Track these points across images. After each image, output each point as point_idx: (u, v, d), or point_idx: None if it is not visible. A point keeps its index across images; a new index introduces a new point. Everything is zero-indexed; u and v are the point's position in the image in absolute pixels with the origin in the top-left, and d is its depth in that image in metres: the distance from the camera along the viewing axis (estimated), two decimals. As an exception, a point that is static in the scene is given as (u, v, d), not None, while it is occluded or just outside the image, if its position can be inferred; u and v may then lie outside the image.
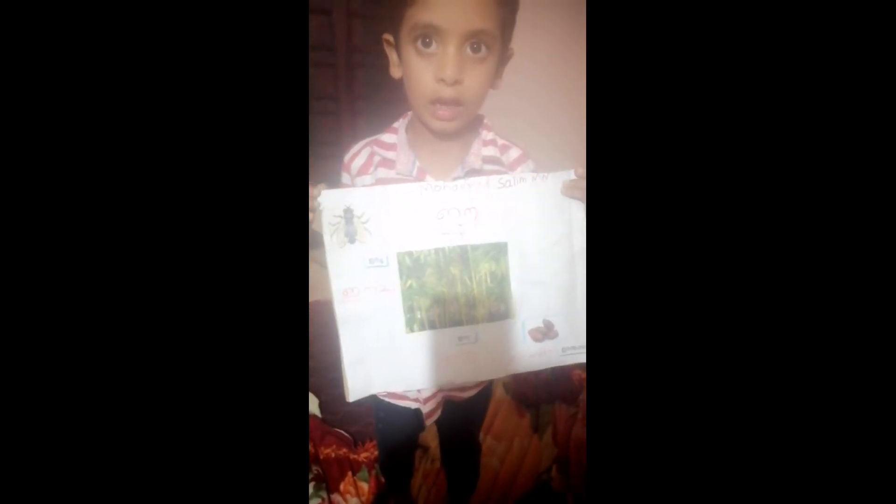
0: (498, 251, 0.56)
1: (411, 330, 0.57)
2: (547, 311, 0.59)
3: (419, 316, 0.57)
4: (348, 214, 0.53)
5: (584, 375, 1.25)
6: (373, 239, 0.54)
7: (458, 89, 0.49)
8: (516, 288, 0.57)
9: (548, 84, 1.45)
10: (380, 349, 0.57)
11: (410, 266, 0.55)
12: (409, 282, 0.56)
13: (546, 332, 0.59)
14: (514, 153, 0.60)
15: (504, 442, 1.15)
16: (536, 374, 1.33)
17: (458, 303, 0.56)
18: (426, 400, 0.65)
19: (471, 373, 0.60)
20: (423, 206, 0.53)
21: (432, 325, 0.57)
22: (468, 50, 0.48)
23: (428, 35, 0.47)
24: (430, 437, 1.10)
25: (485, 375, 0.62)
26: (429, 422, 0.67)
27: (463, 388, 0.68)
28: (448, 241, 0.55)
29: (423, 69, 0.49)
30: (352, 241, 0.54)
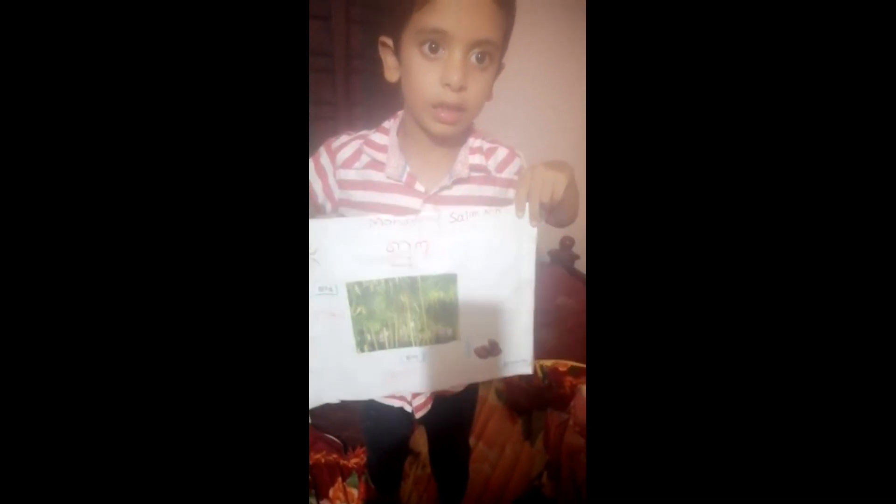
0: (447, 281, 0.57)
1: (362, 350, 0.59)
2: (492, 332, 0.61)
3: (369, 339, 0.58)
4: None
5: (576, 382, 1.26)
6: (320, 269, 0.54)
7: (462, 95, 0.50)
8: (464, 314, 0.59)
9: (539, 91, 1.46)
10: (331, 365, 0.59)
11: (360, 294, 0.56)
12: (359, 308, 0.57)
13: (490, 349, 0.62)
14: (501, 154, 0.60)
15: (496, 448, 1.15)
16: (528, 380, 1.33)
17: (407, 327, 0.58)
18: (414, 395, 0.66)
19: (416, 385, 0.63)
20: (373, 240, 0.53)
21: (381, 346, 0.59)
22: (472, 58, 0.49)
23: (434, 40, 0.48)
24: (421, 443, 1.09)
25: (429, 387, 0.64)
26: (419, 415, 0.67)
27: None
28: (398, 273, 0.56)
29: (427, 73, 0.49)
30: None
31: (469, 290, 0.58)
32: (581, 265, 1.63)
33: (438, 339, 0.60)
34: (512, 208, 0.54)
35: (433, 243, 0.54)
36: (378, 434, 0.79)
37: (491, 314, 0.60)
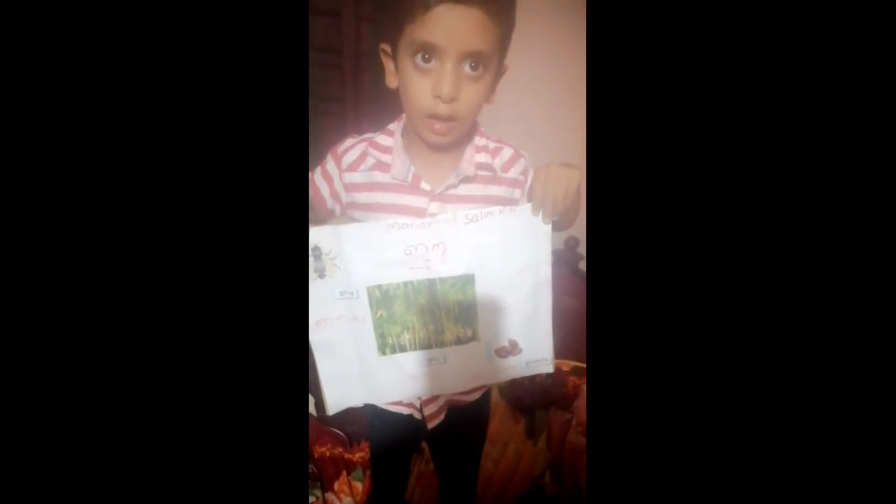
0: (465, 282, 0.58)
1: (383, 353, 0.60)
2: (512, 332, 0.61)
3: (390, 341, 0.59)
4: (316, 252, 0.54)
5: (579, 382, 1.26)
6: (341, 273, 0.55)
7: (453, 106, 0.50)
8: (483, 315, 0.59)
9: (543, 91, 1.46)
10: (353, 369, 0.60)
11: (380, 298, 0.57)
12: (380, 312, 0.58)
13: (511, 349, 0.62)
14: (507, 153, 0.61)
15: (499, 446, 1.15)
16: (531, 379, 1.33)
17: (427, 330, 0.59)
18: (426, 403, 0.65)
19: (437, 388, 0.63)
20: (390, 243, 0.54)
21: (403, 349, 0.60)
22: (465, 68, 0.49)
23: (426, 52, 0.48)
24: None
25: (451, 389, 0.65)
26: (431, 424, 0.66)
27: (465, 392, 0.68)
28: (416, 275, 0.56)
29: (419, 84, 0.50)
30: (321, 276, 0.55)
31: (487, 291, 0.58)
32: (585, 266, 1.63)
33: (459, 341, 0.60)
34: (526, 208, 0.54)
35: (450, 245, 0.55)
36: (382, 441, 0.77)
37: (510, 314, 0.60)
